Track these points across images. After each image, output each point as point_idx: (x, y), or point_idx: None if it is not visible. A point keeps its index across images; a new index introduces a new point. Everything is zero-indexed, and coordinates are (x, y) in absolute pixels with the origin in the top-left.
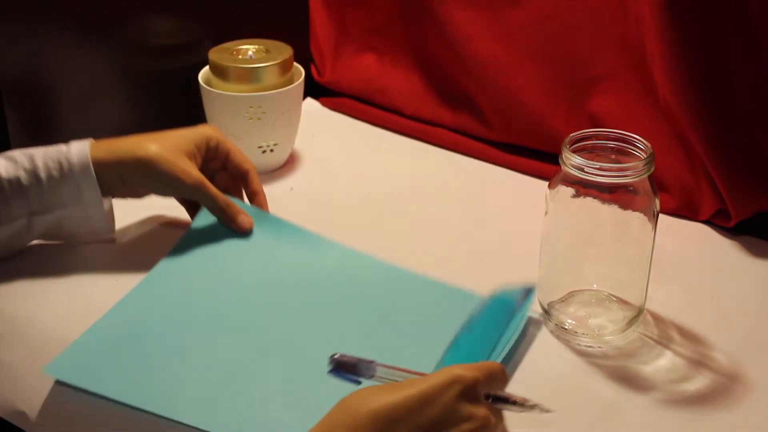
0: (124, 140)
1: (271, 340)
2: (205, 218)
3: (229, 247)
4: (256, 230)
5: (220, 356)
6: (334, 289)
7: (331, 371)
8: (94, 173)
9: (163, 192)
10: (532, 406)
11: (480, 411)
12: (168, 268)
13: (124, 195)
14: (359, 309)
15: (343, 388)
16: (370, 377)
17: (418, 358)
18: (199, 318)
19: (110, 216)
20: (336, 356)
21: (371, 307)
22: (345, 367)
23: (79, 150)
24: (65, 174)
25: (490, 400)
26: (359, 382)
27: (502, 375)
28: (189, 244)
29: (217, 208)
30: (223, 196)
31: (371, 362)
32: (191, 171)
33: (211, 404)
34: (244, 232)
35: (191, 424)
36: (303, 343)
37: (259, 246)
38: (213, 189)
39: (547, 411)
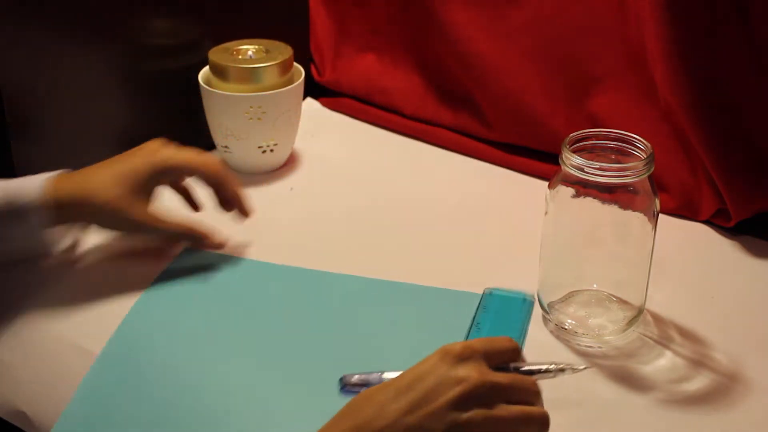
0: (78, 183)
1: (277, 364)
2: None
3: (221, 275)
4: (244, 266)
5: (230, 382)
6: (333, 310)
7: (342, 390)
8: (48, 214)
9: (121, 234)
10: (563, 369)
11: (473, 372)
12: (152, 299)
13: (84, 229)
14: (362, 326)
15: None
16: None
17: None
18: (198, 347)
19: (71, 236)
20: (345, 378)
21: (374, 322)
22: (356, 386)
23: (35, 189)
24: (19, 211)
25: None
26: None
27: (508, 344)
28: (174, 273)
29: (181, 237)
30: (182, 223)
31: (379, 374)
32: (141, 216)
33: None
34: (219, 248)
35: None
36: (310, 365)
37: (249, 279)
38: (168, 222)
39: (582, 369)
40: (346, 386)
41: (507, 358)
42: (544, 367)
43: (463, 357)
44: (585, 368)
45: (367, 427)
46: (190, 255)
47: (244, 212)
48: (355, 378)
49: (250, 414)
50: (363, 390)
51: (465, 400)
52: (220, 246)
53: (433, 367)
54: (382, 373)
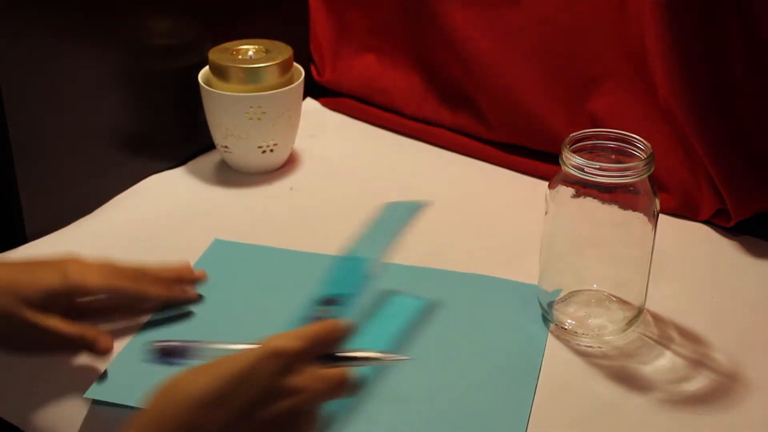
0: None
1: None
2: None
3: (257, 264)
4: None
5: None
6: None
7: (155, 359)
8: None
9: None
10: (378, 359)
11: (304, 382)
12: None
13: None
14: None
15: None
16: (201, 359)
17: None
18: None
19: None
20: (158, 344)
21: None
22: (173, 354)
23: None
24: None
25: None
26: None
27: (338, 333)
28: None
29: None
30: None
31: (198, 343)
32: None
33: None
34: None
35: None
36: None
37: (275, 265)
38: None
39: (400, 359)
40: (158, 353)
41: (335, 347)
42: (358, 356)
43: (295, 366)
44: (405, 359)
45: (196, 429)
46: (218, 247)
47: (195, 277)
48: (173, 345)
49: None
50: (178, 361)
51: (296, 414)
52: (107, 350)
53: (258, 369)
54: (202, 344)
